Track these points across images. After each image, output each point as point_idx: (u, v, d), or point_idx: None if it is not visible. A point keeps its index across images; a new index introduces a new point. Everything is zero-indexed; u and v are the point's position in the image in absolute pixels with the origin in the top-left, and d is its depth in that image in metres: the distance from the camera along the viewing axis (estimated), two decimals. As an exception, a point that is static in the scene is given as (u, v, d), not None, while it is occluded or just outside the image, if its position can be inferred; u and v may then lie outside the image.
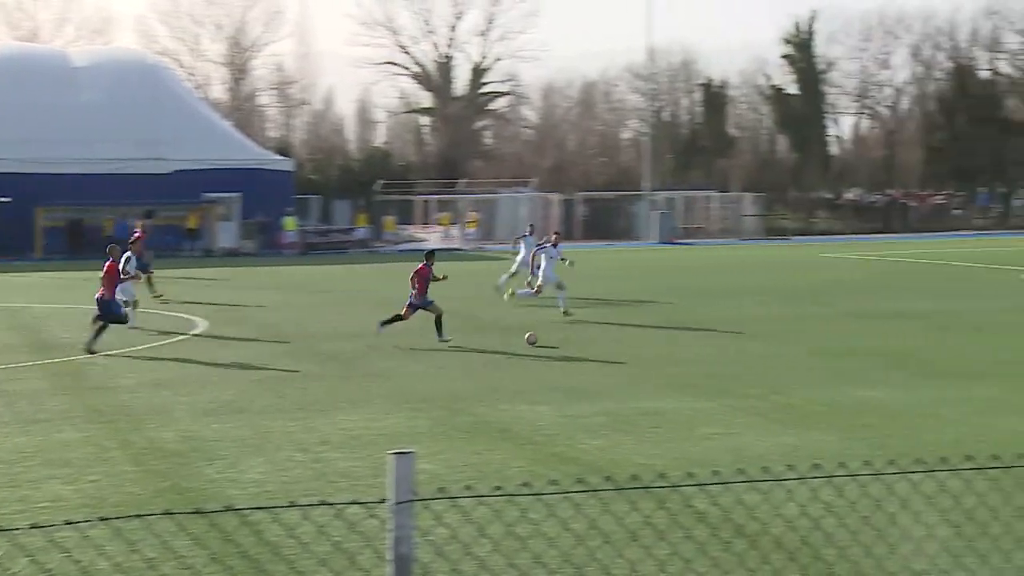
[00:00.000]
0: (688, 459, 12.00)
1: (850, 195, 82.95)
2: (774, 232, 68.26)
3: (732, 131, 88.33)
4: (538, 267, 27.38)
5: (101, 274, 21.92)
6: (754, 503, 8.52)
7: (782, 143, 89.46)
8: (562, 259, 27.50)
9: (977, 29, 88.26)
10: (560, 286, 26.22)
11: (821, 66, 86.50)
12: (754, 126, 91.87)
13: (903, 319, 25.14)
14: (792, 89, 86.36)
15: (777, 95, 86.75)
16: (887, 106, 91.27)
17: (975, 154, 79.10)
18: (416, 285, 22.03)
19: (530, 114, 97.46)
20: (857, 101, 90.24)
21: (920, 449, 11.92)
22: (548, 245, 27.84)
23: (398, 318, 22.04)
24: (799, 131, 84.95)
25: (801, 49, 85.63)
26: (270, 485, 11.29)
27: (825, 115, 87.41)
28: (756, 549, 8.65)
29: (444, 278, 22.61)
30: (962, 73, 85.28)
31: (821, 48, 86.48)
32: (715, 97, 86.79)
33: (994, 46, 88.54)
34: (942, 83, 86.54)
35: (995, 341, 21.90)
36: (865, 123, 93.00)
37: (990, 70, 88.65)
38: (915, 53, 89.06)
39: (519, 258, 31.23)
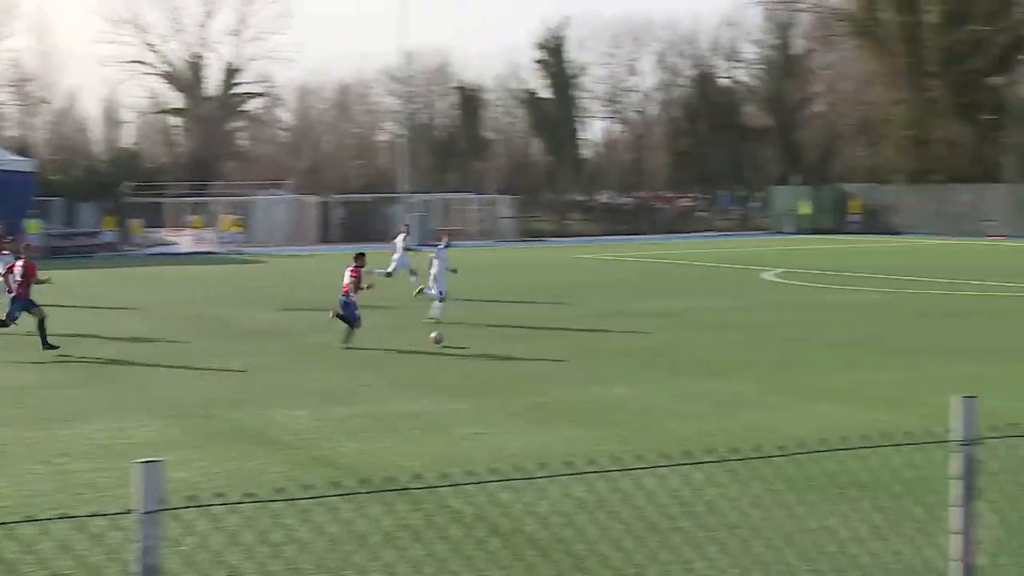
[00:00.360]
0: (445, 460, 12.07)
1: (602, 198, 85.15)
2: (530, 234, 69.44)
3: (488, 134, 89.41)
4: (431, 268, 26.21)
5: None
6: (508, 501, 8.63)
7: (536, 146, 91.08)
8: (452, 270, 26.67)
9: (717, 38, 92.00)
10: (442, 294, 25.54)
11: (572, 71, 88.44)
12: (509, 129, 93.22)
13: (652, 318, 25.93)
14: (545, 93, 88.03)
15: (531, 99, 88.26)
16: (636, 111, 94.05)
17: (716, 159, 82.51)
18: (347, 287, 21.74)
19: (285, 115, 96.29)
20: (607, 106, 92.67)
21: (667, 444, 12.33)
22: (441, 247, 26.88)
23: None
24: (552, 134, 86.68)
25: (553, 54, 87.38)
26: (9, 500, 10.80)
27: (577, 119, 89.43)
28: (510, 547, 8.77)
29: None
30: (704, 81, 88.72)
31: (573, 53, 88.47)
32: (470, 100, 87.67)
33: (732, 55, 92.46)
34: (686, 90, 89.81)
35: (737, 338, 22.83)
36: (615, 127, 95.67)
37: (729, 78, 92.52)
38: (661, 60, 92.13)
39: (395, 258, 32.15)
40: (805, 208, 71.79)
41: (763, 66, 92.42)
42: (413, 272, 31.36)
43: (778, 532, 5.91)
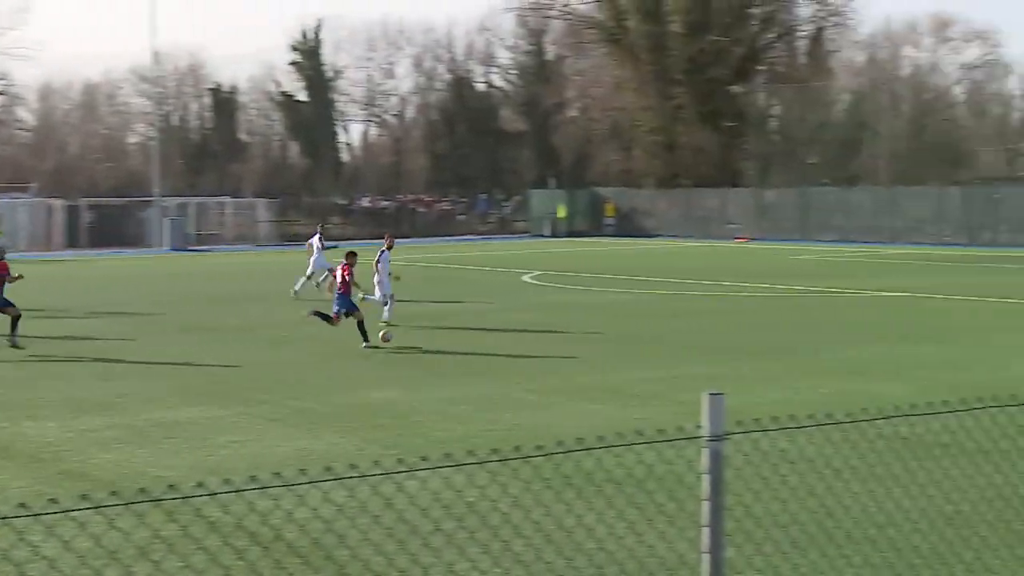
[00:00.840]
0: (203, 468, 11.77)
1: (363, 201, 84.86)
2: (289, 238, 68.54)
3: (243, 136, 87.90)
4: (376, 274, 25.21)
5: None
6: (267, 509, 8.47)
7: (294, 149, 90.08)
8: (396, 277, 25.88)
9: (472, 43, 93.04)
10: (391, 297, 25.07)
11: (329, 74, 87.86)
12: (265, 132, 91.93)
13: (414, 320, 25.93)
14: (302, 96, 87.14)
15: (287, 101, 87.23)
16: (394, 114, 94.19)
17: (474, 162, 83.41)
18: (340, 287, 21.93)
19: (27, 115, 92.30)
20: (365, 109, 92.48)
21: (430, 447, 12.35)
22: (385, 250, 25.71)
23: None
24: (310, 137, 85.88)
25: (309, 57, 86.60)
26: None
27: (335, 122, 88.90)
28: (270, 556, 8.62)
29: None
30: (460, 85, 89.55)
31: (329, 56, 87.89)
32: (224, 102, 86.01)
33: (488, 60, 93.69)
34: (443, 94, 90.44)
35: (499, 340, 23.08)
36: (374, 130, 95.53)
37: (485, 83, 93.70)
38: (417, 64, 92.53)
39: (312, 260, 32.33)
40: (562, 211, 73.25)
41: (518, 71, 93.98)
42: (309, 276, 32.12)
43: (537, 531, 6.00)
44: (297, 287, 31.44)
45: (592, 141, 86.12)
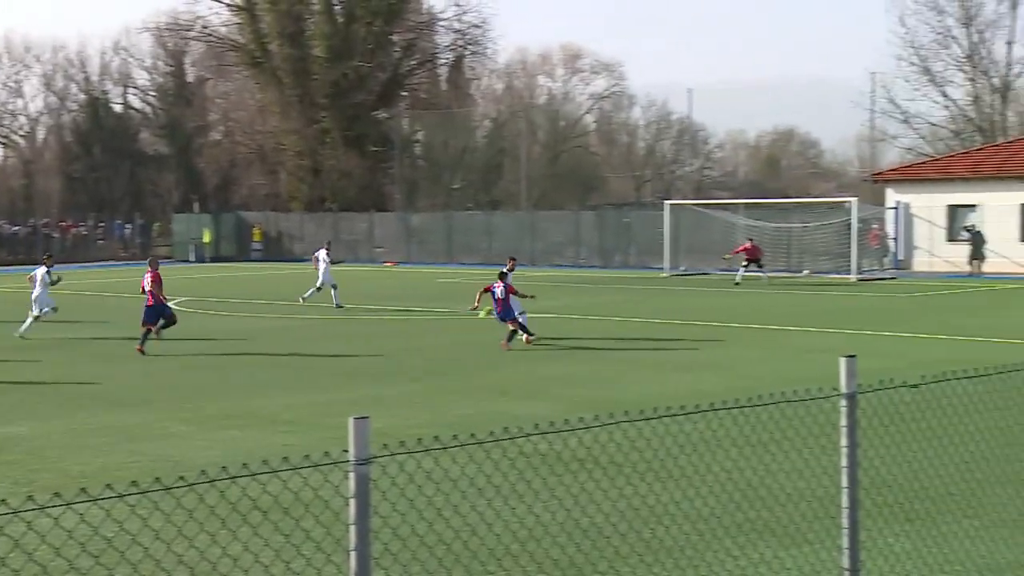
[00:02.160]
0: None
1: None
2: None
3: None
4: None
5: None
6: None
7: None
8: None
9: (108, 63, 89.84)
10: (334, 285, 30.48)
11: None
12: None
13: (39, 350, 24.70)
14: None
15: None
16: (23, 135, 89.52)
17: (113, 185, 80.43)
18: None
19: None
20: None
21: (66, 482, 11.79)
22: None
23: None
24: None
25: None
26: None
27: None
28: None
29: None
30: (96, 105, 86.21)
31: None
32: None
33: (125, 80, 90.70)
34: (77, 114, 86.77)
35: (139, 368, 22.33)
36: (1, 152, 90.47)
37: (123, 104, 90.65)
38: (48, 83, 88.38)
39: (323, 270, 35.11)
40: (207, 236, 71.69)
41: (157, 93, 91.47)
42: (335, 286, 35.04)
43: (180, 564, 5.83)
44: (307, 295, 35.36)
45: (237, 164, 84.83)
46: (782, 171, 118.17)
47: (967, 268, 49.80)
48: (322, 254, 35.88)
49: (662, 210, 55.71)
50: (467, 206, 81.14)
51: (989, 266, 49.56)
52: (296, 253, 69.15)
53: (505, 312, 25.18)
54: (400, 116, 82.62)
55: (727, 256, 48.56)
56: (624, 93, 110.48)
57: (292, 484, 5.66)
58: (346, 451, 5.08)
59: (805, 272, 50.61)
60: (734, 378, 20.04)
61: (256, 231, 72.14)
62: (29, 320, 28.03)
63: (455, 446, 5.59)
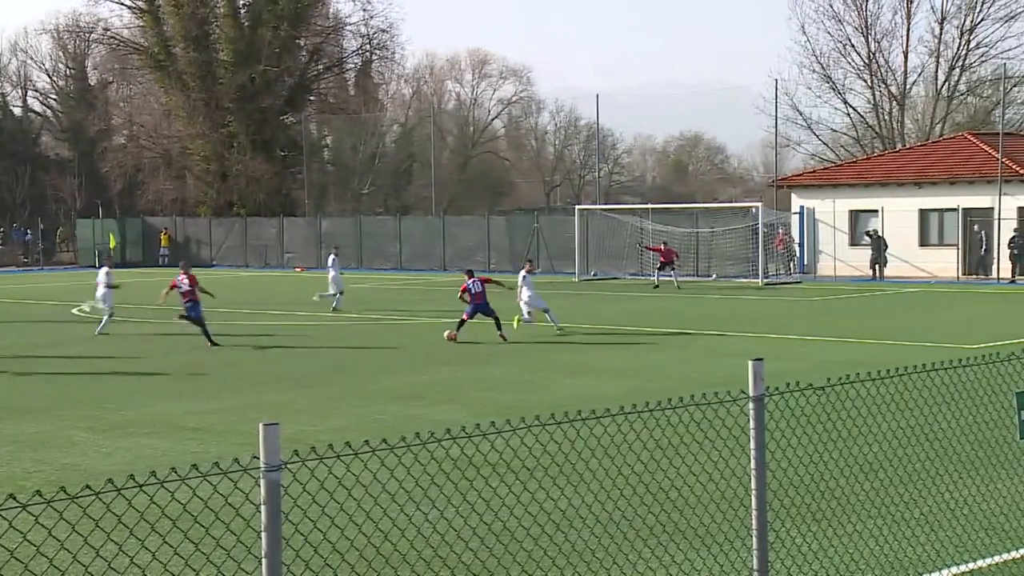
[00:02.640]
0: None
1: None
2: None
3: None
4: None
5: None
6: None
7: None
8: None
9: (6, 65, 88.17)
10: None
11: None
12: None
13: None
14: None
15: None
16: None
17: (13, 190, 78.88)
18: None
19: None
20: None
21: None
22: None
23: None
24: None
25: None
26: None
27: None
28: None
29: None
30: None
31: None
32: None
33: (24, 83, 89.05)
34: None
35: (46, 376, 21.92)
36: None
37: (23, 107, 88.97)
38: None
39: (333, 276, 36.37)
40: (112, 241, 70.56)
41: (58, 96, 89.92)
42: (341, 292, 36.27)
43: (86, 575, 5.73)
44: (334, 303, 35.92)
45: (143, 169, 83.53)
46: (689, 176, 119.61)
47: (869, 272, 50.76)
48: (332, 259, 37.16)
49: (572, 215, 56.04)
50: (377, 211, 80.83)
51: (890, 270, 50.57)
52: (204, 259, 68.35)
53: (483, 306, 27.42)
54: (308, 120, 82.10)
55: (640, 244, 50.17)
56: (532, 98, 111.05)
57: (201, 491, 5.60)
58: (256, 457, 5.04)
59: (713, 276, 51.24)
60: (645, 381, 20.21)
61: (163, 236, 71.19)
62: (105, 319, 29.84)
63: (367, 452, 5.57)
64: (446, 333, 27.54)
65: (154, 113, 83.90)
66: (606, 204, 66.41)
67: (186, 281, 26.89)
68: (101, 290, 30.43)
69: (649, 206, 60.16)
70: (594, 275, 53.08)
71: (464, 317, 27.41)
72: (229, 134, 77.04)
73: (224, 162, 76.95)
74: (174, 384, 20.79)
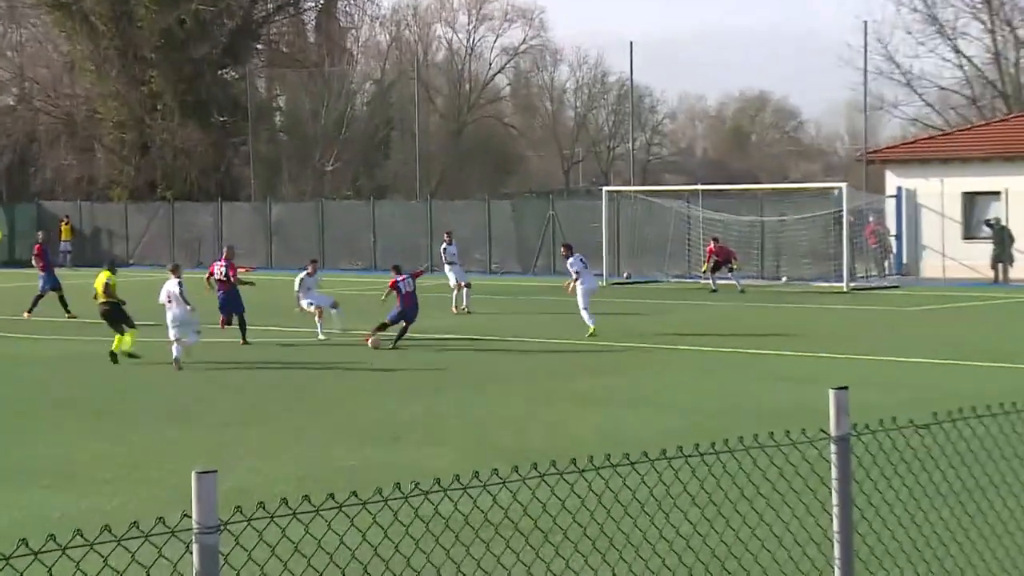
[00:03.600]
0: None
1: None
2: None
3: None
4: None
5: None
6: None
7: None
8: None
9: None
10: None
11: None
12: None
13: None
14: None
15: None
16: None
17: None
18: None
19: None
20: None
21: None
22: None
23: None
24: None
25: None
26: None
27: None
28: None
29: None
30: None
31: None
32: None
33: None
34: None
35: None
36: None
37: None
38: None
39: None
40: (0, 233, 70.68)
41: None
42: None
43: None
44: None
45: (38, 139, 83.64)
46: (752, 148, 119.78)
47: (990, 274, 50.63)
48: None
49: (599, 199, 55.98)
50: (345, 194, 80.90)
51: (1017, 270, 50.37)
52: (118, 255, 68.45)
53: (412, 311, 29.39)
54: (254, 76, 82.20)
55: (705, 271, 48.08)
56: (547, 47, 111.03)
57: (115, 560, 5.61)
58: (188, 516, 5.06)
59: (783, 279, 51.15)
60: (687, 414, 20.22)
61: (64, 227, 71.11)
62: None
63: (332, 508, 5.59)
64: (369, 340, 29.27)
65: (53, 65, 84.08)
66: (643, 185, 66.47)
67: (222, 268, 30.40)
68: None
69: (699, 187, 60.01)
70: (627, 277, 53.05)
71: (386, 320, 29.59)
72: (151, 93, 77.11)
73: (144, 130, 77.03)
74: (80, 420, 20.81)
